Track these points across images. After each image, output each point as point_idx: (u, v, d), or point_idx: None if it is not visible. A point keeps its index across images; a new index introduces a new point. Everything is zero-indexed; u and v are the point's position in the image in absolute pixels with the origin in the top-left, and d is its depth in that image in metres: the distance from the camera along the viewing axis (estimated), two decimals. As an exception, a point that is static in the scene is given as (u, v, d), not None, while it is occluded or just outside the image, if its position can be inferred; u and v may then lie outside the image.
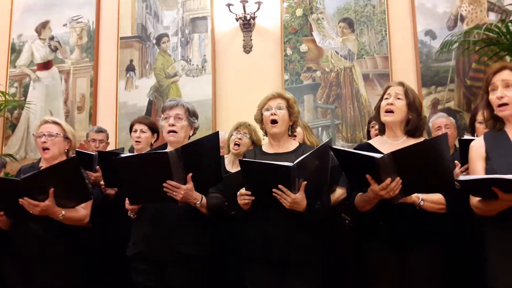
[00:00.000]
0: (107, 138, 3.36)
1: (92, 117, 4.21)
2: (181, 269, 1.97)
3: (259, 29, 4.06)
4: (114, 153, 2.46)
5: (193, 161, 1.90)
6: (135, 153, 2.69)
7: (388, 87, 2.11)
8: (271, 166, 1.81)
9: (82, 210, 2.20)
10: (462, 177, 1.70)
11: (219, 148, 2.03)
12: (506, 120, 1.82)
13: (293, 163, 1.78)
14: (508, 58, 3.19)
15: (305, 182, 1.83)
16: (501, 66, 1.84)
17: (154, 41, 4.25)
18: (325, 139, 3.76)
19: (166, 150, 1.90)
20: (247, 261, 2.02)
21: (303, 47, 3.97)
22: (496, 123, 1.85)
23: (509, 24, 3.06)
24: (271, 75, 3.98)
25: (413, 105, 2.03)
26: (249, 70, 4.01)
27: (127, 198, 2.03)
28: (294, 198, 1.82)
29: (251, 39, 4.05)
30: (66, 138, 2.33)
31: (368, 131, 3.00)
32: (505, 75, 1.80)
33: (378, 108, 2.11)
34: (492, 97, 1.81)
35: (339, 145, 3.77)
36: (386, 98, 2.06)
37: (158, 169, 1.86)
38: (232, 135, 2.82)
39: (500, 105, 1.78)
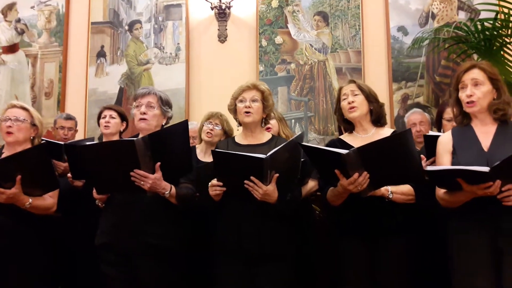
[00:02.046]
0: (76, 125, 3.28)
1: (61, 104, 4.08)
2: (149, 260, 1.95)
3: (234, 19, 4.02)
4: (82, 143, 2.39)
5: (161, 150, 1.87)
6: (101, 141, 2.63)
7: (341, 89, 2.18)
8: (244, 157, 1.81)
9: (50, 199, 2.14)
10: (429, 167, 1.76)
11: (188, 136, 1.99)
12: (473, 116, 1.90)
13: (265, 155, 1.78)
14: (475, 56, 3.29)
15: (277, 175, 1.84)
16: (471, 65, 1.90)
17: (127, 27, 4.14)
18: (298, 131, 3.79)
19: (133, 138, 1.86)
20: (219, 254, 2.02)
21: (278, 39, 3.97)
22: (464, 119, 1.92)
23: (478, 23, 3.15)
24: (245, 66, 3.96)
25: (370, 96, 2.11)
26: (223, 60, 3.97)
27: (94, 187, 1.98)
28: (266, 190, 1.83)
29: (226, 29, 4.01)
30: (33, 125, 2.25)
31: (340, 126, 3.04)
32: (475, 74, 1.86)
33: (339, 110, 2.16)
34: (462, 94, 1.88)
35: (312, 137, 3.81)
36: (344, 99, 2.12)
37: (125, 157, 1.82)
38: (203, 125, 2.80)
39: (468, 102, 1.85)
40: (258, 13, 3.99)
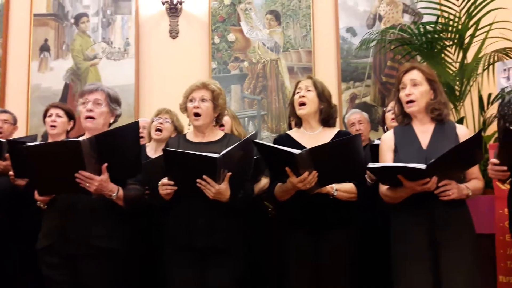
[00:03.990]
0: (14, 120, 3.11)
1: (0, 100, 3.84)
2: (94, 263, 1.89)
3: (186, 15, 3.97)
4: (25, 141, 2.28)
5: (108, 151, 1.81)
6: (45, 142, 2.52)
7: (298, 82, 2.23)
8: (196, 156, 1.80)
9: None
10: (371, 164, 1.85)
11: (139, 138, 1.95)
12: (413, 116, 2.00)
13: (218, 153, 1.78)
14: (419, 57, 3.46)
15: (230, 173, 1.85)
16: (411, 66, 2.03)
17: (72, 21, 3.97)
18: (251, 129, 3.82)
19: (78, 139, 1.79)
20: (170, 250, 2.00)
21: (231, 37, 3.97)
22: (404, 118, 2.02)
23: (420, 26, 3.31)
24: (198, 63, 3.92)
25: (322, 96, 2.16)
26: (175, 56, 3.91)
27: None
28: (218, 188, 1.84)
29: (178, 25, 3.95)
30: (-33, 122, 2.11)
31: (290, 124, 3.10)
32: (414, 74, 1.98)
33: (292, 103, 2.21)
34: (402, 94, 1.98)
35: (265, 135, 3.84)
36: (298, 92, 2.18)
37: (70, 158, 1.75)
38: (153, 121, 2.75)
39: (408, 102, 1.96)
40: (210, 9, 3.96)
